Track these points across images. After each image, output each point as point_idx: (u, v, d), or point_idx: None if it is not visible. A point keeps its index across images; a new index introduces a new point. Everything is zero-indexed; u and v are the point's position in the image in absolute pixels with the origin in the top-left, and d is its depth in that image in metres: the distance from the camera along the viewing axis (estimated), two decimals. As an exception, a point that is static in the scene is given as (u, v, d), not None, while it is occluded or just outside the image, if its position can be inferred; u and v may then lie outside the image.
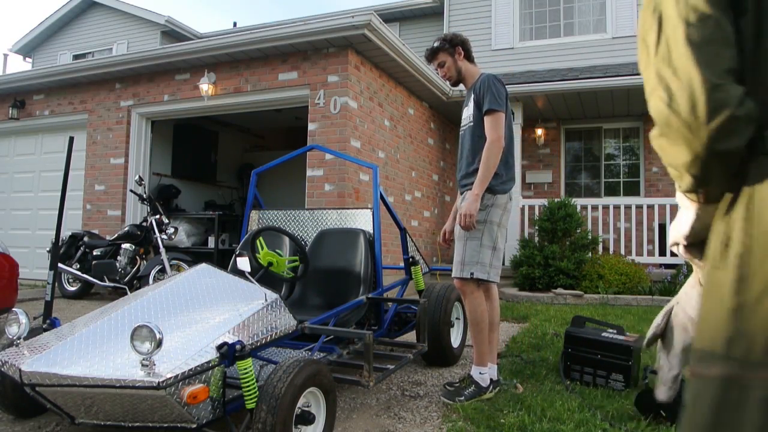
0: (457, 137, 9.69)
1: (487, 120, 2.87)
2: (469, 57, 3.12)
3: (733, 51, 0.82)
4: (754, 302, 0.76)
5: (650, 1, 0.90)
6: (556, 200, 7.44)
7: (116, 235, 6.62)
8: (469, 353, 3.90)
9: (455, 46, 3.07)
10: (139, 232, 6.48)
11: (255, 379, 2.02)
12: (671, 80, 0.85)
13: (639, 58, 0.93)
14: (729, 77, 0.82)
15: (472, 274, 2.84)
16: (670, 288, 6.59)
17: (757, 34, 0.83)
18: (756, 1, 0.82)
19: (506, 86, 3.02)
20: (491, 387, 2.89)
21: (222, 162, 9.92)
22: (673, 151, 0.88)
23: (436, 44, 3.11)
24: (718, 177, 0.86)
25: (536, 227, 7.50)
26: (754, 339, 0.74)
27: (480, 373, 2.89)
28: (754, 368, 0.73)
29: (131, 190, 7.27)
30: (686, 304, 1.09)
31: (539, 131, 9.62)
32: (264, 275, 3.05)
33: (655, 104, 0.88)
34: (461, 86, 3.18)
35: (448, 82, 3.19)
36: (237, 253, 3.52)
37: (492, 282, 2.93)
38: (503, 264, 7.97)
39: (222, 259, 8.04)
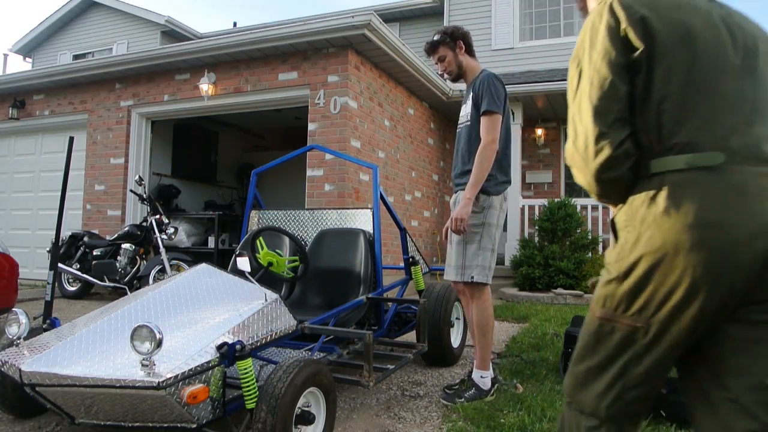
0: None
1: (483, 121, 2.82)
2: (470, 51, 3.03)
3: (622, 104, 1.16)
4: (622, 277, 1.15)
5: (576, 57, 1.25)
6: (556, 200, 7.44)
7: (116, 235, 6.62)
8: (469, 353, 3.90)
9: (456, 39, 2.96)
10: (139, 232, 6.48)
11: (255, 379, 2.02)
12: (578, 124, 1.21)
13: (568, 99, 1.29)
14: (615, 125, 1.16)
15: (472, 277, 2.82)
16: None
17: (646, 89, 1.16)
18: (647, 64, 1.15)
19: (506, 86, 2.99)
20: (492, 390, 2.89)
21: (222, 162, 9.92)
22: (578, 176, 1.25)
23: (436, 37, 2.99)
24: (613, 194, 1.22)
25: (536, 227, 7.50)
26: (621, 299, 1.15)
27: (482, 376, 2.88)
28: (619, 316, 1.16)
29: (131, 190, 7.27)
30: None
31: (539, 131, 9.61)
32: (264, 275, 3.05)
33: (568, 141, 1.26)
34: (460, 86, 3.15)
35: (448, 81, 3.11)
36: (237, 253, 3.52)
37: (489, 284, 2.91)
38: (503, 264, 7.99)
39: (222, 259, 8.04)
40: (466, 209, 2.75)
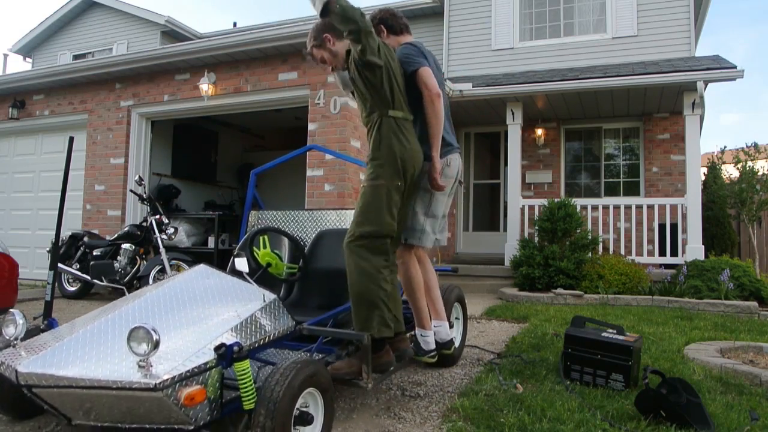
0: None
1: (419, 81, 2.82)
2: (394, 31, 3.05)
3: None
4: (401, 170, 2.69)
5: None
6: (556, 200, 7.43)
7: (116, 235, 6.62)
8: (469, 353, 3.90)
9: (377, 26, 2.98)
10: (139, 232, 6.47)
11: (253, 381, 2.01)
12: None
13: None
14: None
15: (405, 239, 2.92)
16: (670, 288, 6.57)
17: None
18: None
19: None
20: (432, 352, 2.98)
21: (222, 162, 9.92)
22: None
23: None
24: None
25: (536, 227, 7.49)
26: (396, 176, 2.66)
27: (422, 335, 3.00)
28: (393, 182, 2.65)
29: (131, 190, 7.27)
30: None
31: (539, 131, 9.60)
32: (262, 274, 3.05)
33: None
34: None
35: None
36: (235, 253, 3.51)
37: (421, 246, 2.98)
38: (503, 264, 7.98)
39: (222, 259, 8.03)
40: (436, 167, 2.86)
